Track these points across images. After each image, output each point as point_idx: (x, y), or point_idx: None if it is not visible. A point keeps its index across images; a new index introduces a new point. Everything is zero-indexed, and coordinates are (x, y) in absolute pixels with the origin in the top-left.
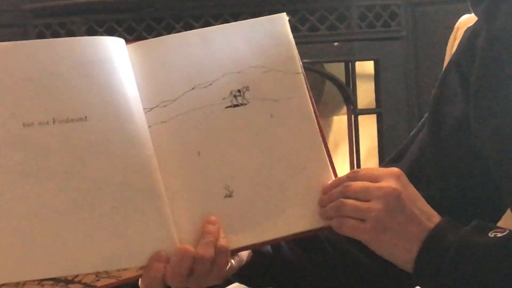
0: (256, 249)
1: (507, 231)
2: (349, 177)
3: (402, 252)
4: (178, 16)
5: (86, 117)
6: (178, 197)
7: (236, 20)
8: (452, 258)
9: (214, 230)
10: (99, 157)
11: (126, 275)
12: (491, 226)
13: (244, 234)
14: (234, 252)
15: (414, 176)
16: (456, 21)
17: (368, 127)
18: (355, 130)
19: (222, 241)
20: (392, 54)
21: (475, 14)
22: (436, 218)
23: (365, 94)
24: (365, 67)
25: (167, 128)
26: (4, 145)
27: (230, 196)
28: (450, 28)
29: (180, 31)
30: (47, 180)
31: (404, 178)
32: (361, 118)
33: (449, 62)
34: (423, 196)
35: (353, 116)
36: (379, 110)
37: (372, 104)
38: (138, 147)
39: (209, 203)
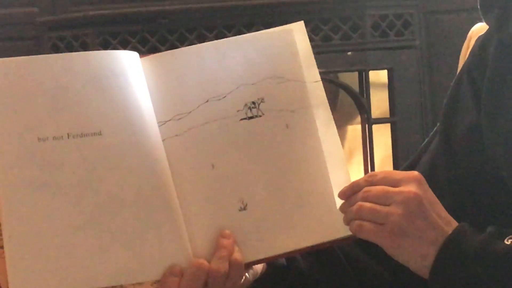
0: (271, 262)
1: None
2: (367, 181)
3: (419, 257)
4: (191, 27)
5: (100, 132)
6: (193, 210)
7: (249, 31)
8: (469, 265)
9: (228, 244)
10: (114, 172)
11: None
12: (507, 232)
13: (258, 248)
14: (249, 265)
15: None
16: (470, 29)
17: (382, 136)
18: (369, 139)
19: (237, 255)
20: (406, 63)
21: (486, 22)
22: (454, 223)
23: (379, 103)
24: (379, 76)
25: (181, 141)
26: (19, 159)
27: (244, 209)
28: (463, 36)
29: (193, 42)
30: (62, 194)
31: (424, 182)
32: (375, 127)
33: (460, 71)
34: None
35: (367, 125)
36: (393, 119)
37: (386, 113)
38: (152, 161)
39: (223, 216)
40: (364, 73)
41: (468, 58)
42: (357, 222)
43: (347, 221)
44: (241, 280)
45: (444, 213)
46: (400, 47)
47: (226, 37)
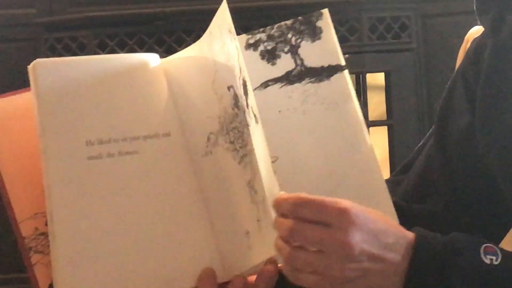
0: None
1: (501, 257)
2: (296, 208)
3: None
4: (189, 29)
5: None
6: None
7: (245, 33)
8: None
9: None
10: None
11: None
12: (476, 243)
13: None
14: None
15: (421, 188)
16: (467, 32)
17: (379, 138)
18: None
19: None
20: (403, 66)
21: (482, 24)
22: (403, 246)
23: (376, 105)
24: (376, 79)
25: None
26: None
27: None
28: (460, 39)
29: (191, 44)
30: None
31: (356, 211)
32: (372, 129)
33: (455, 73)
34: (429, 208)
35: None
36: (390, 122)
37: (383, 116)
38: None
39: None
40: (361, 75)
41: (463, 60)
42: (293, 273)
43: (282, 263)
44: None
45: (391, 237)
46: (398, 50)
47: None
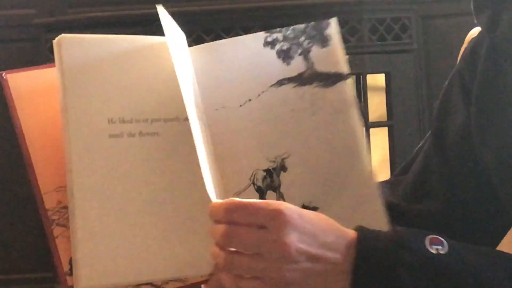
0: None
1: (447, 246)
2: (228, 210)
3: None
4: (189, 30)
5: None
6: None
7: (247, 34)
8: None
9: None
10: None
11: (192, 279)
12: (418, 237)
13: None
14: None
15: (419, 188)
16: (467, 33)
17: (380, 139)
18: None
19: None
20: (403, 67)
21: (478, 24)
22: (343, 244)
23: (376, 106)
24: (376, 80)
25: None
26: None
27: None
28: (461, 40)
29: (191, 45)
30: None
31: (291, 214)
32: (372, 130)
33: (452, 73)
34: (427, 209)
35: (364, 128)
36: (390, 123)
37: (384, 117)
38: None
39: None
40: (361, 76)
41: (459, 60)
42: (232, 281)
43: (217, 270)
44: None
45: (330, 236)
46: (398, 51)
47: None
